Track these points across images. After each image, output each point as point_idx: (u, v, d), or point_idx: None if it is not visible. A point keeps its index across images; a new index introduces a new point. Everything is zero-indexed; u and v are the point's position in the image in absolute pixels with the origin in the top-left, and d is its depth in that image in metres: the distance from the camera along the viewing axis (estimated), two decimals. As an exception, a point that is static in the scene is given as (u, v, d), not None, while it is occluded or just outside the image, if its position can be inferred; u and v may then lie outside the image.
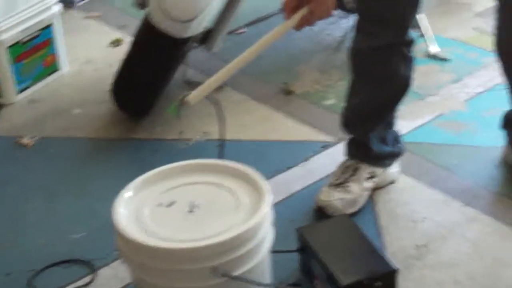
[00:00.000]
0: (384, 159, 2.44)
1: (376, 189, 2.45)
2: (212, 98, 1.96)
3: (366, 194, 2.41)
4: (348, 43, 3.28)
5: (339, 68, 3.16)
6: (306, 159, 2.63)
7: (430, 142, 2.69)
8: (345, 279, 1.94)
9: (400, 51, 2.29)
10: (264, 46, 1.98)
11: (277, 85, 3.08)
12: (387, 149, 2.44)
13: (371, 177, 2.41)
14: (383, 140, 2.42)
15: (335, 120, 2.61)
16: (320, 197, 2.38)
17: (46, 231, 2.39)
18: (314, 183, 2.52)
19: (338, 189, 2.38)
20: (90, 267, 2.22)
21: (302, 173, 2.57)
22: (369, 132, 2.39)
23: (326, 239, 2.09)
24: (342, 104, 2.85)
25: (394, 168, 2.49)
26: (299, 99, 3.00)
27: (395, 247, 2.23)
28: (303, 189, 2.50)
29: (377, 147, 2.40)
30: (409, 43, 2.30)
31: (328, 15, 2.00)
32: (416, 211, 2.37)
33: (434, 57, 3.19)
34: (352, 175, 2.40)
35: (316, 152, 2.66)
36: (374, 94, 2.36)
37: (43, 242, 2.34)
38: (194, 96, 1.87)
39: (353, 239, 2.10)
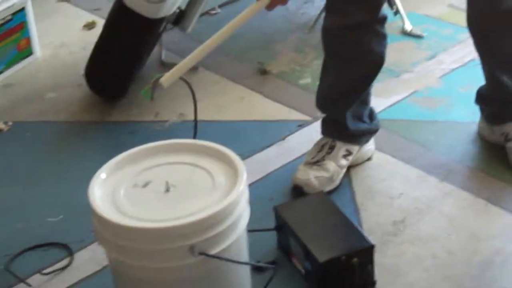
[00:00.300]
0: (360, 136, 2.44)
1: (352, 166, 2.46)
2: (185, 78, 1.95)
3: (342, 171, 2.41)
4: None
5: (315, 47, 3.16)
6: (282, 138, 2.64)
7: (406, 118, 2.70)
8: (322, 256, 1.96)
9: (372, 28, 2.29)
10: (236, 26, 1.98)
11: (252, 65, 3.07)
12: (363, 126, 2.44)
13: (347, 154, 2.42)
14: (359, 118, 2.43)
15: (311, 99, 2.61)
16: (297, 176, 2.38)
17: (23, 215, 2.38)
18: (291, 162, 2.52)
19: (315, 167, 2.38)
20: (68, 250, 2.22)
21: (279, 152, 2.58)
22: (344, 110, 2.39)
23: (303, 217, 2.10)
24: (317, 83, 2.86)
25: (370, 145, 2.50)
26: (275, 79, 2.99)
27: (372, 223, 2.25)
28: (280, 168, 2.51)
29: (352, 124, 2.41)
30: (382, 20, 2.30)
31: None
32: (392, 187, 2.38)
33: (408, 34, 3.19)
34: (328, 153, 2.41)
35: (292, 131, 2.67)
36: (347, 73, 2.35)
37: (21, 227, 2.33)
38: (166, 78, 1.87)
39: (330, 216, 2.11)
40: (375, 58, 2.33)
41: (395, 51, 2.99)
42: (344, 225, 2.08)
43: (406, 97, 2.81)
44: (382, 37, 2.31)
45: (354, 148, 2.44)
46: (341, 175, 2.41)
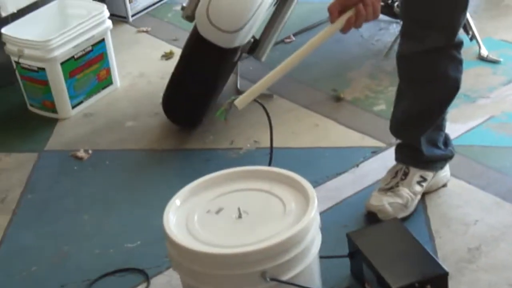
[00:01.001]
0: (434, 163, 2.43)
1: (427, 192, 2.44)
2: (260, 101, 1.97)
3: (417, 198, 2.40)
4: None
5: (389, 73, 3.16)
6: (356, 165, 2.64)
7: (482, 144, 2.67)
8: (395, 283, 1.95)
9: (448, 53, 2.27)
10: (311, 49, 1.98)
11: (327, 92, 3.09)
12: (438, 152, 2.43)
13: (422, 181, 2.41)
14: (434, 143, 2.41)
15: (385, 125, 2.61)
16: (370, 202, 2.38)
17: (101, 241, 2.44)
18: (365, 188, 2.52)
19: (389, 193, 2.38)
20: (144, 275, 2.27)
21: (352, 179, 2.58)
22: (419, 136, 2.38)
23: (377, 243, 2.10)
24: (392, 109, 2.86)
25: (445, 172, 2.48)
26: (349, 105, 3.00)
27: (447, 250, 2.23)
28: (354, 194, 2.51)
29: (427, 150, 2.40)
30: (458, 45, 2.28)
31: (374, 17, 1.98)
32: (468, 214, 2.36)
33: (485, 60, 3.16)
34: (402, 179, 2.40)
35: (366, 158, 2.67)
36: (422, 98, 2.34)
37: (99, 252, 2.39)
38: (241, 100, 1.88)
39: (403, 243, 2.10)
40: (451, 83, 2.31)
41: (471, 77, 2.97)
42: (418, 252, 2.06)
43: (482, 122, 2.78)
44: (458, 62, 2.29)
45: (429, 175, 2.43)
46: (416, 201, 2.40)
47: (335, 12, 1.97)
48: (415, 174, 2.41)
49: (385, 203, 2.35)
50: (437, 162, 2.44)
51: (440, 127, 2.42)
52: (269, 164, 2.08)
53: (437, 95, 2.34)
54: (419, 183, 2.41)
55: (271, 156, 2.11)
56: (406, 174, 2.41)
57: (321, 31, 2.00)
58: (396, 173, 2.43)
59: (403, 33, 2.32)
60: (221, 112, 1.85)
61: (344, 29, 2.00)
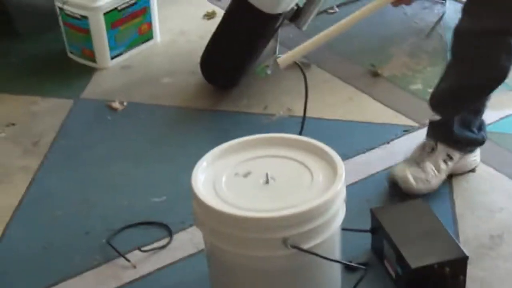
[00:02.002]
0: (464, 144, 2.43)
1: (455, 175, 2.45)
2: (302, 64, 1.96)
3: (441, 176, 2.41)
4: (440, 30, 3.28)
5: (429, 54, 3.15)
6: (387, 142, 2.64)
7: (514, 133, 2.67)
8: (414, 262, 1.96)
9: (504, 40, 2.23)
10: (359, 18, 1.97)
11: (365, 66, 3.08)
12: (469, 135, 2.43)
13: (448, 159, 2.42)
14: (467, 126, 2.41)
15: (420, 105, 2.62)
16: (394, 172, 2.41)
17: (128, 193, 2.47)
18: (394, 166, 2.52)
19: (413, 166, 2.40)
20: (168, 230, 2.30)
21: (382, 155, 2.58)
22: (454, 114, 2.38)
23: (399, 221, 2.11)
24: (428, 90, 2.86)
25: (475, 157, 2.48)
26: (386, 82, 3.00)
27: (469, 235, 2.23)
28: (382, 171, 2.51)
29: (458, 130, 2.40)
30: None
31: None
32: (494, 201, 2.36)
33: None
34: (429, 154, 2.42)
35: (398, 136, 2.67)
36: (467, 79, 2.31)
37: (125, 204, 2.42)
38: (284, 59, 1.88)
39: (426, 224, 2.11)
40: (499, 71, 2.27)
41: None
42: (440, 234, 2.07)
43: (517, 111, 2.77)
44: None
45: (456, 155, 2.43)
46: (439, 179, 2.41)
47: None
48: (442, 151, 2.42)
49: (408, 174, 2.37)
50: (467, 145, 2.44)
51: (478, 112, 2.42)
52: (300, 133, 2.09)
53: (482, 79, 2.30)
54: (444, 161, 2.42)
55: (302, 124, 2.12)
56: (433, 150, 2.42)
57: (372, 1, 1.98)
58: (424, 147, 2.45)
59: (464, 9, 2.27)
60: (261, 68, 1.86)
61: (395, 3, 1.98)
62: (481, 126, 2.46)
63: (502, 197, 2.37)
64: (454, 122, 2.39)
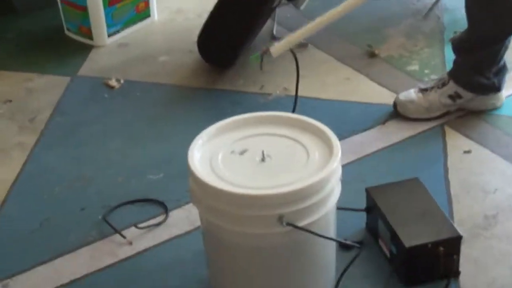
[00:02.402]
0: (474, 86, 2.57)
1: (473, 112, 2.64)
2: (292, 51, 1.98)
3: (445, 109, 2.61)
4: (437, 11, 3.28)
5: (426, 35, 3.15)
6: (383, 123, 2.65)
7: (511, 115, 2.66)
8: (409, 241, 1.97)
9: None
10: (353, 6, 1.99)
11: (362, 47, 3.09)
12: (480, 79, 2.57)
13: (456, 96, 2.60)
14: (479, 70, 2.56)
15: (416, 86, 2.63)
16: (399, 95, 2.64)
17: (124, 170, 2.48)
18: (389, 146, 2.54)
19: (420, 94, 2.61)
20: (164, 207, 2.31)
21: (377, 136, 2.59)
22: (468, 57, 2.56)
23: (394, 201, 2.12)
24: (425, 71, 2.87)
25: (493, 100, 2.63)
26: (382, 63, 3.00)
27: (464, 215, 2.24)
28: (377, 151, 2.52)
29: (469, 73, 2.57)
30: None
31: None
32: (488, 182, 2.37)
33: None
34: (439, 87, 2.61)
35: (393, 116, 2.67)
36: (475, 30, 2.50)
37: (121, 181, 2.43)
38: (276, 48, 1.90)
39: (421, 203, 2.11)
40: (507, 25, 2.44)
41: (510, 48, 2.95)
42: (434, 214, 2.08)
43: (516, 93, 2.78)
44: None
45: (466, 94, 2.59)
46: (442, 111, 2.61)
47: None
48: (452, 87, 2.59)
49: (410, 100, 2.60)
50: (477, 87, 2.58)
51: (491, 59, 2.55)
52: (293, 111, 2.09)
53: (488, 31, 2.48)
54: (451, 97, 2.60)
55: (295, 104, 2.12)
56: (444, 84, 2.61)
57: None
58: (439, 80, 2.63)
59: None
60: (255, 56, 1.87)
61: None
62: (498, 73, 2.58)
63: (497, 178, 2.38)
64: (467, 65, 2.56)
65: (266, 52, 1.85)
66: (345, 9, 1.98)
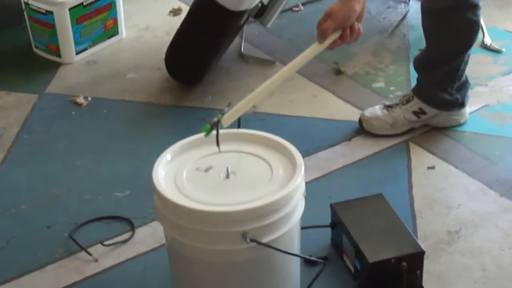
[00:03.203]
0: (437, 102, 2.63)
1: (437, 128, 2.70)
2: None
3: (409, 125, 2.67)
4: (403, 29, 3.33)
5: (392, 52, 3.19)
6: (348, 139, 2.68)
7: (474, 131, 2.71)
8: (372, 257, 1.99)
9: (461, 15, 2.47)
10: (295, 68, 2.00)
11: (328, 64, 3.12)
12: (443, 95, 2.63)
13: (420, 112, 2.65)
14: (441, 87, 2.63)
15: (381, 103, 2.66)
16: (364, 111, 2.70)
17: (91, 187, 2.49)
18: (355, 162, 2.57)
19: (384, 110, 2.68)
20: (130, 224, 2.31)
21: (343, 152, 2.62)
22: (428, 77, 2.64)
23: (358, 216, 2.14)
24: (391, 87, 2.91)
25: (457, 116, 2.68)
26: (349, 80, 3.04)
27: (427, 231, 2.27)
28: (343, 167, 2.55)
29: (431, 89, 2.63)
30: (473, 7, 2.46)
31: (357, 40, 2.02)
32: (452, 198, 2.41)
33: (487, 48, 3.19)
34: (403, 103, 2.68)
35: (359, 133, 2.70)
36: (433, 47, 2.59)
37: (87, 198, 2.44)
38: (226, 118, 1.91)
39: (385, 219, 2.14)
40: (462, 42, 2.55)
41: (471, 64, 2.96)
42: (398, 229, 2.11)
43: (477, 110, 2.82)
44: (473, 23, 2.51)
45: (430, 110, 2.65)
46: (406, 128, 2.66)
47: (327, 35, 1.95)
48: (416, 104, 2.65)
49: (375, 116, 2.66)
50: (440, 103, 2.64)
51: (453, 75, 2.61)
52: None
53: (446, 50, 2.56)
54: (416, 113, 2.66)
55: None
56: (408, 101, 2.67)
57: (306, 50, 1.99)
58: (404, 97, 2.70)
59: None
60: (206, 128, 1.87)
61: (329, 48, 2.03)
62: (461, 89, 2.64)
63: (460, 194, 2.42)
64: (429, 81, 2.63)
65: (217, 123, 1.87)
66: (289, 72, 1.99)
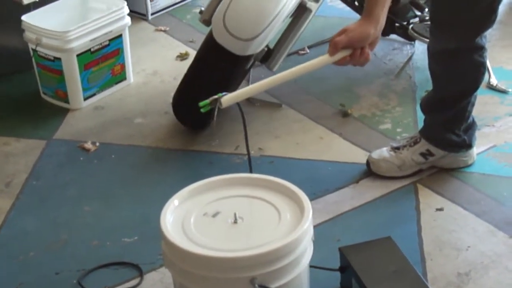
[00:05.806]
0: (445, 144, 2.63)
1: (445, 169, 2.69)
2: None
3: (417, 167, 2.66)
4: (409, 70, 3.34)
5: (398, 94, 3.20)
6: (356, 181, 2.68)
7: (482, 172, 2.70)
8: (382, 301, 1.99)
9: (467, 56, 2.48)
10: (303, 72, 2.06)
11: (335, 106, 3.13)
12: (450, 136, 2.63)
13: (427, 154, 2.65)
14: (449, 128, 2.63)
15: (389, 144, 2.66)
16: (371, 154, 2.69)
17: (99, 233, 2.49)
18: (363, 205, 2.56)
19: (392, 152, 2.67)
20: (139, 270, 2.31)
21: (351, 195, 2.62)
22: (435, 118, 2.64)
23: (368, 260, 2.13)
24: (397, 129, 2.91)
25: (465, 157, 2.68)
26: (356, 122, 3.04)
27: (437, 273, 2.26)
28: (351, 210, 2.55)
29: (439, 131, 2.63)
30: (479, 48, 2.47)
31: (363, 65, 2.10)
32: (461, 239, 2.40)
33: (493, 89, 3.20)
34: (411, 145, 2.67)
35: (367, 175, 2.70)
36: (442, 91, 2.59)
37: (96, 244, 2.44)
38: (226, 99, 1.95)
39: (394, 262, 2.13)
40: (469, 83, 2.56)
41: (478, 104, 2.98)
42: (407, 273, 2.10)
43: (485, 150, 2.81)
44: (479, 65, 2.52)
45: (438, 152, 2.65)
46: (414, 169, 2.66)
47: (338, 48, 2.05)
48: (424, 145, 2.65)
49: (382, 158, 2.66)
50: (447, 145, 2.64)
51: (461, 117, 2.61)
52: (250, 171, 2.10)
53: (453, 91, 2.57)
54: (423, 155, 2.65)
55: (250, 163, 2.12)
56: (416, 143, 2.67)
57: (317, 58, 2.06)
58: (411, 138, 2.70)
59: (430, 31, 2.58)
60: (204, 104, 1.90)
61: (338, 64, 2.07)
62: (468, 130, 2.64)
63: (469, 236, 2.41)
64: (436, 123, 2.63)
65: (217, 101, 1.90)
66: (298, 73, 2.05)
